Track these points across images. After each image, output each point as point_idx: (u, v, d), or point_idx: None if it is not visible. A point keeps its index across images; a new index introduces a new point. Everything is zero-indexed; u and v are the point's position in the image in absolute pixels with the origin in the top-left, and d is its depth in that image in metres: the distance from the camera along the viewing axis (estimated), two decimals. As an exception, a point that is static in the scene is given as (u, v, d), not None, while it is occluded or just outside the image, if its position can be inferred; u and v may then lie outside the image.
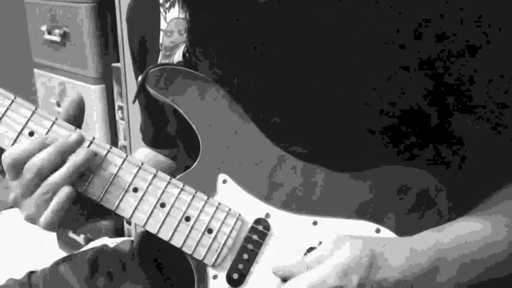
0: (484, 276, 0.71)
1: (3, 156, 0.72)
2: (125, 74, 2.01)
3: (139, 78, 0.78)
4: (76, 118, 0.76)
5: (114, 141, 2.19)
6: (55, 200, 0.71)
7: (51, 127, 0.73)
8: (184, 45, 0.82)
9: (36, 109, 0.74)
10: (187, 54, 0.81)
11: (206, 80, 0.78)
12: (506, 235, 0.71)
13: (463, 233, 0.71)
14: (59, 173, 0.71)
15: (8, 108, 0.73)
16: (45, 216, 0.72)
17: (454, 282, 0.69)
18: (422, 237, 0.71)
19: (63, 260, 0.99)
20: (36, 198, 0.72)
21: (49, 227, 0.73)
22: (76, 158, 0.71)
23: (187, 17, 0.79)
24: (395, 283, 0.67)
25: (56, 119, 0.74)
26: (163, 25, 0.86)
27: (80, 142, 0.72)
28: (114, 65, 2.13)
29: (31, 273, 0.98)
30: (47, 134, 0.73)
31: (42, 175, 0.71)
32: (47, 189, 0.71)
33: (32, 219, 0.74)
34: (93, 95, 2.19)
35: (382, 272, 0.67)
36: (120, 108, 2.13)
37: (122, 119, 2.12)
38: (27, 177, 0.71)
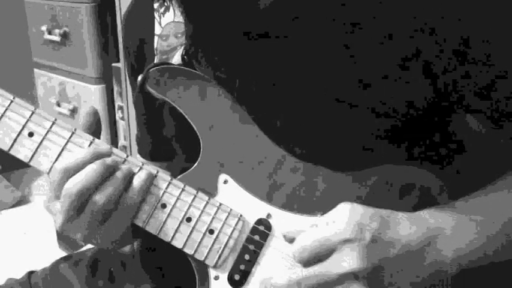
0: (489, 257, 0.71)
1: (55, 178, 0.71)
2: (125, 74, 2.01)
3: (139, 77, 0.77)
4: (93, 131, 0.76)
5: (114, 141, 2.20)
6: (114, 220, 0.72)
7: (50, 127, 0.73)
8: (182, 47, 0.82)
9: (35, 109, 0.73)
10: (186, 57, 0.81)
11: (207, 79, 0.78)
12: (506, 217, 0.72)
13: (466, 209, 0.71)
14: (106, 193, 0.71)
15: (7, 109, 0.73)
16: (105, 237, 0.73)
17: (458, 258, 0.69)
18: (426, 212, 0.71)
19: (63, 259, 0.99)
20: (89, 223, 0.71)
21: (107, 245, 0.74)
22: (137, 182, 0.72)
23: (186, 22, 0.79)
24: (401, 246, 0.67)
25: (56, 120, 0.73)
26: (157, 30, 0.86)
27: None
28: (114, 65, 2.13)
29: (31, 273, 0.98)
30: (46, 134, 0.73)
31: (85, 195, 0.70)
32: (101, 212, 0.71)
33: (90, 240, 0.74)
34: (93, 95, 2.19)
35: (391, 234, 0.67)
36: (120, 108, 2.13)
37: (122, 119, 2.13)
38: (68, 200, 0.70)
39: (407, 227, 0.68)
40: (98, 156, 0.71)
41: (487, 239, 0.71)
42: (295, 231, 0.71)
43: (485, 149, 0.74)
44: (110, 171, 0.71)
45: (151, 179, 0.74)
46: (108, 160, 0.71)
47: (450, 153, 0.75)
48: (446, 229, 0.69)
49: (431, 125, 0.74)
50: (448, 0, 0.69)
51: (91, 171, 0.70)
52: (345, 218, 0.68)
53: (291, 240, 0.71)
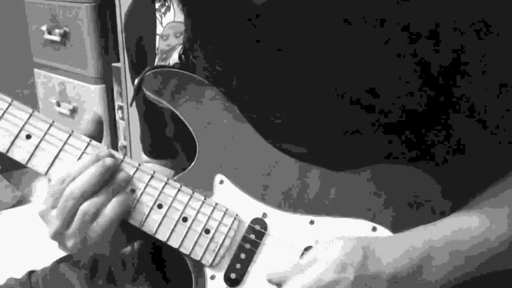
0: (478, 271, 0.71)
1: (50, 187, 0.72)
2: (125, 74, 2.01)
3: (136, 81, 0.78)
4: (95, 137, 0.76)
5: (114, 141, 2.20)
6: (102, 220, 0.72)
7: (48, 130, 0.73)
8: (180, 47, 0.83)
9: (33, 112, 0.74)
10: (183, 55, 0.81)
11: (202, 82, 0.78)
12: (499, 230, 0.72)
13: (455, 229, 0.71)
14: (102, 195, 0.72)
15: (5, 112, 0.73)
16: (96, 240, 0.72)
17: (445, 278, 0.70)
18: (414, 233, 0.71)
19: (64, 259, 0.99)
20: (80, 225, 0.71)
21: (101, 249, 0.73)
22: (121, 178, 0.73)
23: (185, 16, 0.80)
24: (390, 278, 0.67)
25: (53, 122, 0.74)
26: (159, 30, 0.86)
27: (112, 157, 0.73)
28: (114, 65, 2.13)
29: (31, 272, 0.98)
30: (44, 136, 0.73)
31: (83, 199, 0.71)
32: (92, 213, 0.71)
33: (81, 245, 0.74)
34: (93, 95, 2.19)
35: (376, 265, 0.67)
36: (120, 108, 2.13)
37: (122, 119, 2.13)
38: (68, 204, 0.71)
39: (392, 255, 0.69)
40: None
41: (478, 256, 0.71)
42: (279, 273, 0.71)
43: (481, 149, 0.74)
44: (106, 177, 0.72)
45: (128, 178, 0.74)
46: (108, 162, 0.72)
47: (447, 153, 0.75)
48: (434, 255, 0.69)
49: (428, 124, 0.74)
50: (447, 2, 0.70)
51: (90, 176, 0.71)
52: (325, 257, 0.68)
53: (278, 285, 0.71)
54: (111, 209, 0.71)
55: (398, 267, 0.68)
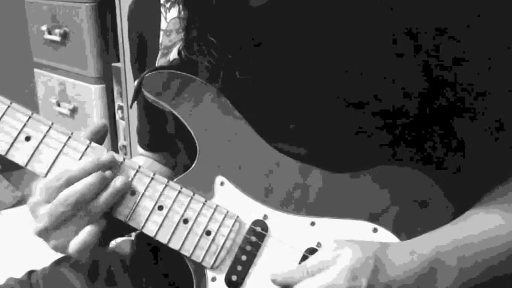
0: (485, 277, 0.71)
1: (45, 183, 0.72)
2: (125, 73, 2.01)
3: (135, 83, 0.78)
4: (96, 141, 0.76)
5: (114, 141, 2.20)
6: (90, 228, 0.71)
7: (47, 132, 0.73)
8: (180, 42, 0.82)
9: (32, 114, 0.74)
10: (182, 51, 0.81)
11: (202, 83, 0.78)
12: (507, 236, 0.72)
13: (462, 235, 0.71)
14: (99, 201, 0.72)
15: (3, 114, 0.73)
16: (80, 245, 0.71)
17: (454, 284, 0.69)
18: (421, 240, 0.71)
19: (64, 259, 0.99)
20: (70, 227, 0.71)
21: (82, 254, 0.73)
22: (118, 185, 0.72)
23: (182, 8, 0.80)
24: (401, 285, 0.67)
25: (52, 124, 0.74)
26: (163, 25, 0.86)
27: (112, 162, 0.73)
28: (114, 64, 2.13)
29: (31, 272, 0.98)
30: (43, 138, 0.73)
31: (81, 204, 0.71)
32: (85, 217, 0.71)
33: (62, 249, 0.73)
34: (93, 95, 2.19)
35: (388, 274, 0.67)
36: (120, 108, 2.13)
37: (122, 118, 2.13)
38: (63, 207, 0.70)
39: (403, 264, 0.68)
40: (99, 167, 0.72)
41: (485, 262, 0.71)
42: (284, 274, 0.71)
43: (482, 150, 0.74)
44: (103, 187, 0.72)
45: (127, 184, 0.74)
46: (107, 173, 0.72)
47: (448, 155, 0.75)
48: (442, 262, 0.69)
49: (429, 126, 0.74)
50: (449, 4, 0.70)
51: (89, 183, 0.71)
52: (337, 265, 0.67)
53: (283, 286, 0.71)
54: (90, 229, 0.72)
55: (407, 277, 0.68)
